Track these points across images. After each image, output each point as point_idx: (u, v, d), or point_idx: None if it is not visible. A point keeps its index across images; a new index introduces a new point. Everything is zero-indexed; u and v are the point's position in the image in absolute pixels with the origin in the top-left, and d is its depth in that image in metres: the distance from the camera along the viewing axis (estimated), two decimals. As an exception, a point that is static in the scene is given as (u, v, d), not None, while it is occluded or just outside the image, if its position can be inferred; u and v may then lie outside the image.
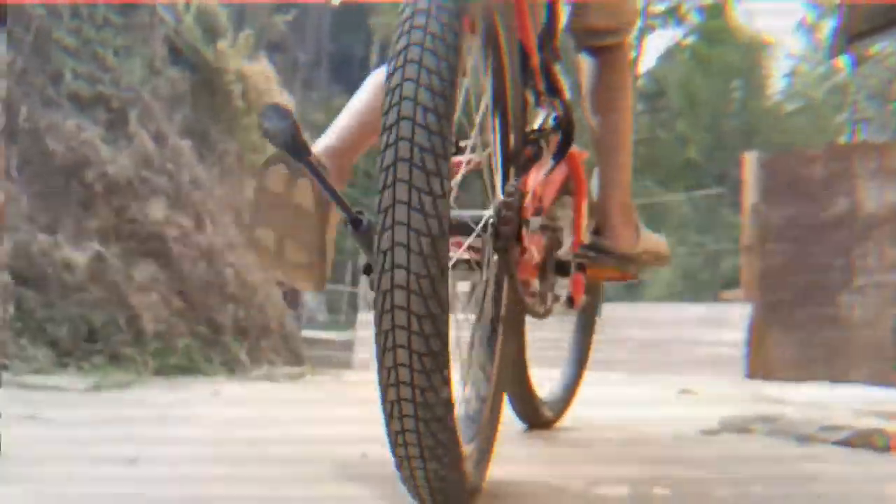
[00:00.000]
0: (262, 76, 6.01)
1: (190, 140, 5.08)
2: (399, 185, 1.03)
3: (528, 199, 1.34)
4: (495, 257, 1.32)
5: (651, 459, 1.91)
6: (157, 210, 4.28)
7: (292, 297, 14.77)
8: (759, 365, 6.49)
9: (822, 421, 2.19)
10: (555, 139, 1.53)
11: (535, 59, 1.50)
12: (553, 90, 1.56)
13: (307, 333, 14.45)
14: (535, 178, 1.47)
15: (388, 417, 1.08)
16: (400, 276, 1.03)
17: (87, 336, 3.64)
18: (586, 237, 1.79)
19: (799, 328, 6.40)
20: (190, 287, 4.41)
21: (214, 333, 4.45)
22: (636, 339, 7.46)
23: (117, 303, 3.86)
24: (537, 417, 2.11)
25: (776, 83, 27.11)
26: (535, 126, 1.54)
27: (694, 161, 9.41)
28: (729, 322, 6.75)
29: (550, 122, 1.54)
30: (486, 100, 1.32)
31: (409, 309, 1.03)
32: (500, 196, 1.27)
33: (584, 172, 1.78)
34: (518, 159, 1.40)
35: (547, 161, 1.51)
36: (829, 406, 3.01)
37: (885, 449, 1.94)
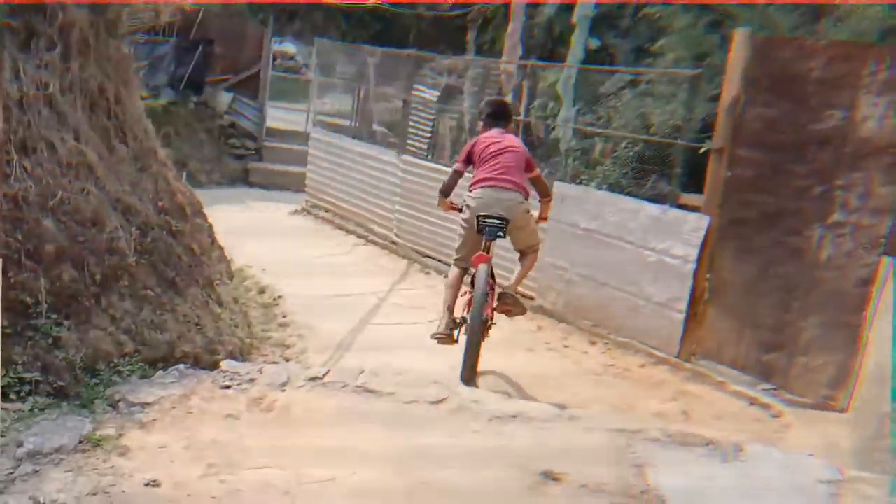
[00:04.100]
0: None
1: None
2: None
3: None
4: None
5: None
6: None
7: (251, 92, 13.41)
8: (705, 291, 5.79)
9: None
10: None
11: None
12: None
13: (271, 124, 13.42)
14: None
15: None
16: None
17: None
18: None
19: (756, 254, 5.60)
20: (-19, 270, 3.56)
21: (23, 319, 3.68)
22: (582, 228, 6.66)
23: None
24: None
25: None
26: None
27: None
28: (683, 232, 5.92)
29: None
30: None
31: None
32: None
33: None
34: None
35: None
36: None
37: None
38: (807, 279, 5.32)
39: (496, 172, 4.97)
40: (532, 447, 3.33)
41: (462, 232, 5.17)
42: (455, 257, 5.28)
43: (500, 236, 4.99)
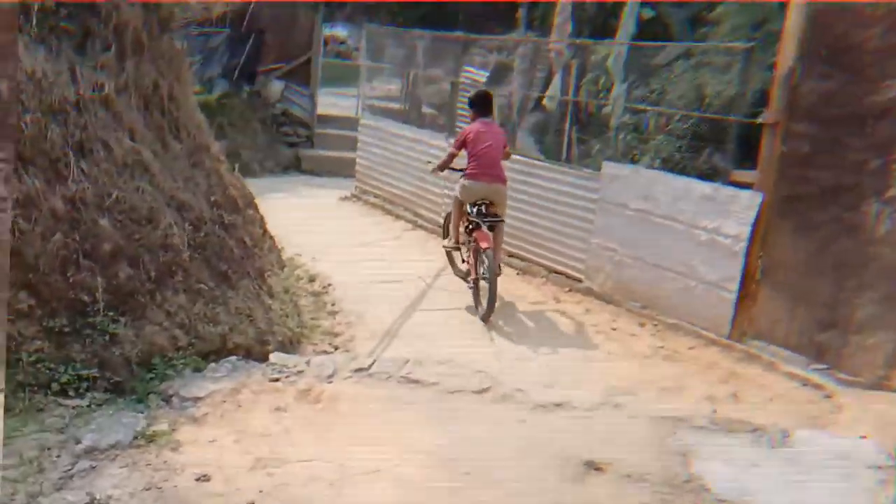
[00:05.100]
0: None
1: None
2: None
3: None
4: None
5: None
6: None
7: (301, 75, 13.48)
8: (757, 270, 5.66)
9: None
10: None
11: None
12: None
13: (322, 111, 13.50)
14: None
15: None
16: None
17: None
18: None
19: (812, 231, 5.44)
20: (41, 271, 3.73)
21: (81, 317, 3.84)
22: (632, 208, 6.57)
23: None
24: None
25: None
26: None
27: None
28: (734, 211, 5.79)
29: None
30: None
31: None
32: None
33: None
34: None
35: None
36: None
37: None
38: (862, 256, 5.15)
39: (489, 169, 6.39)
40: (576, 436, 3.33)
41: (458, 196, 6.58)
42: (455, 204, 6.78)
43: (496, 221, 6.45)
